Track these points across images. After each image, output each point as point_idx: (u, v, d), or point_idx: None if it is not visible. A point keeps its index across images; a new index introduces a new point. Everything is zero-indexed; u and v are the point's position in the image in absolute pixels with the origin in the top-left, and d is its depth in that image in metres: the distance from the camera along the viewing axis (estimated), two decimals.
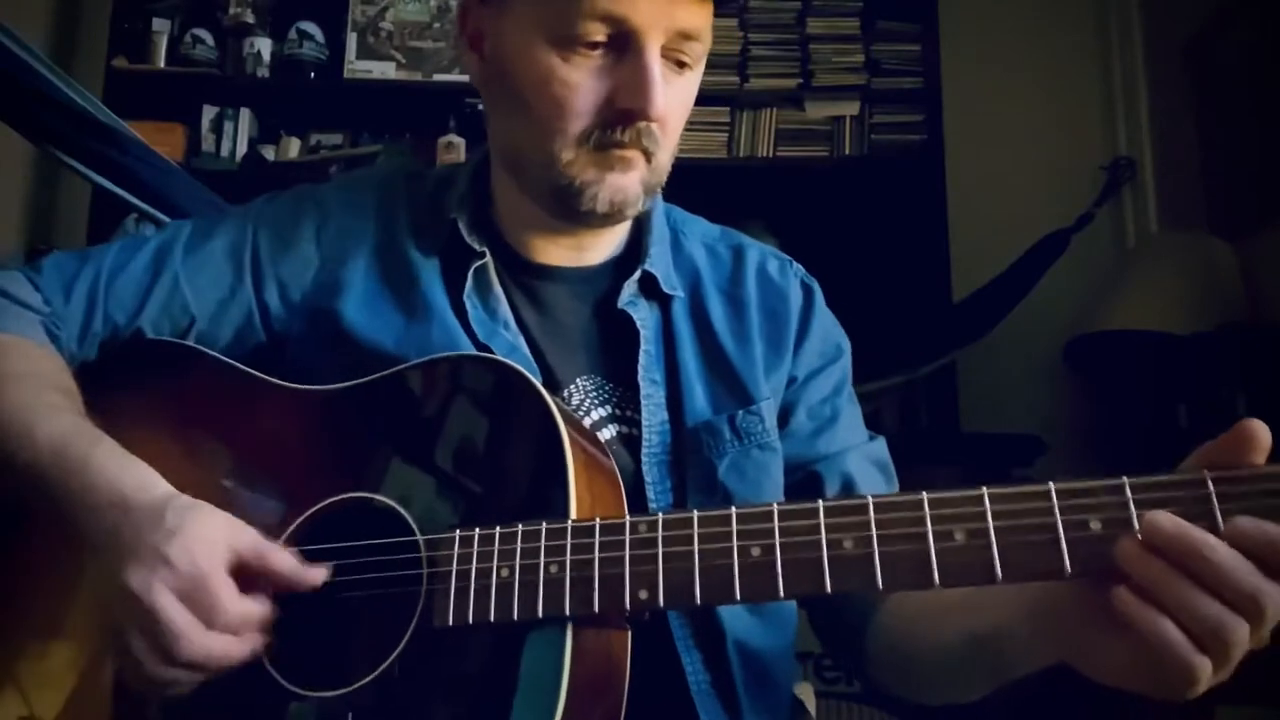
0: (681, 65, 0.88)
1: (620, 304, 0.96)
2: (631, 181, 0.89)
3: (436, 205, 1.00)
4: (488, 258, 0.96)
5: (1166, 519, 0.61)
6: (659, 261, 0.99)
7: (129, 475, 0.79)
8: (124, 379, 0.95)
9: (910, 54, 3.08)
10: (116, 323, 0.96)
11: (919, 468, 1.05)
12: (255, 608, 0.76)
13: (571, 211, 0.90)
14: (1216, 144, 2.72)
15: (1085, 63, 3.20)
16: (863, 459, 1.00)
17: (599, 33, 0.83)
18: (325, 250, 0.98)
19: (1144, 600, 0.60)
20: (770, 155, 3.05)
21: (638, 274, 0.97)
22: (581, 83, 0.85)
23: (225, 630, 0.73)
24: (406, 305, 0.95)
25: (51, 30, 3.18)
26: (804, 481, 0.98)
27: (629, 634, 0.76)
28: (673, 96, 0.87)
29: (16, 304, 0.93)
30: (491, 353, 0.89)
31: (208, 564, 0.73)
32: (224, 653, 0.74)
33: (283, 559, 0.77)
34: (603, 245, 1.00)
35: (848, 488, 0.97)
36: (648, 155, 0.88)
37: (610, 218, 0.91)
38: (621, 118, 0.85)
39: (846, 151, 3.04)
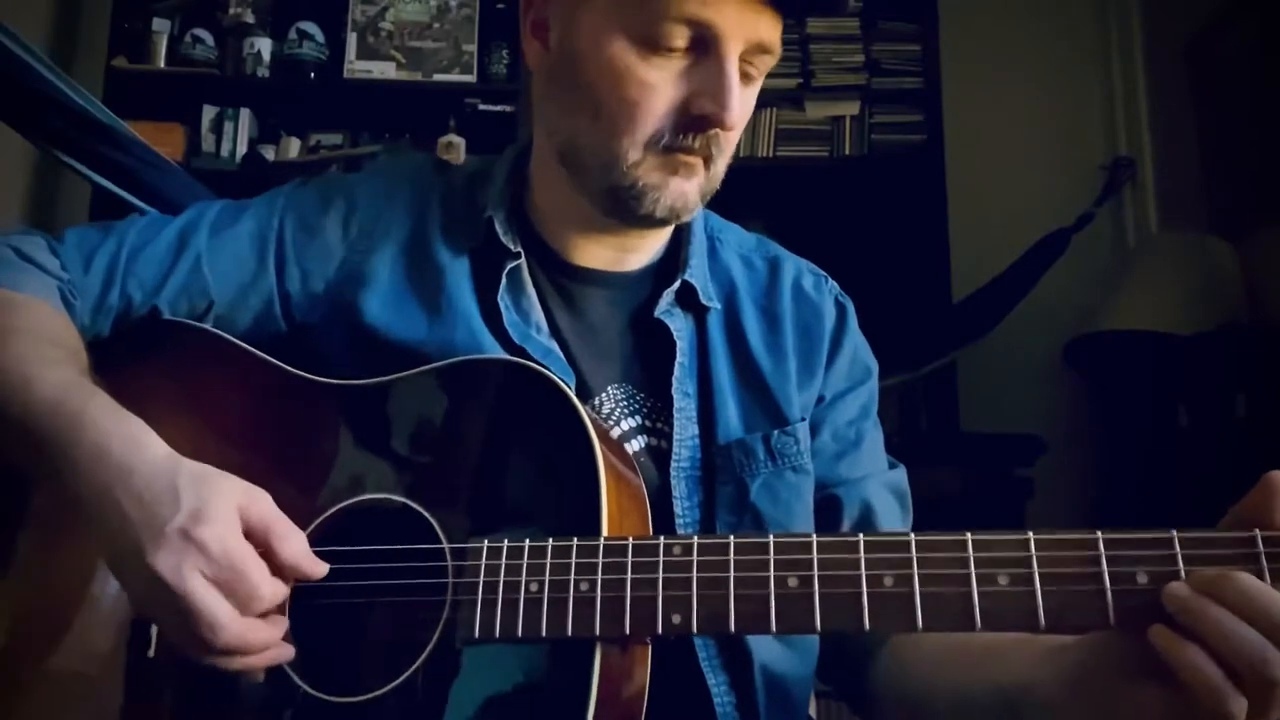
0: (748, 77, 0.87)
1: (656, 313, 0.94)
2: (692, 187, 0.88)
3: (470, 201, 0.98)
4: (522, 259, 0.94)
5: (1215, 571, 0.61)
6: (698, 272, 0.97)
7: (122, 431, 0.77)
8: (140, 359, 0.93)
9: (910, 54, 3.08)
10: (133, 299, 0.94)
11: (919, 468, 1.04)
12: (283, 589, 0.75)
13: (628, 213, 0.89)
14: (1216, 144, 2.72)
15: (1085, 63, 3.19)
16: (882, 487, 0.99)
17: (681, 36, 0.82)
18: (351, 241, 0.96)
19: (1182, 635, 0.60)
20: (770, 155, 3.05)
21: (677, 284, 0.95)
22: (659, 84, 0.83)
23: (258, 613, 0.73)
24: (431, 304, 0.93)
25: (51, 30, 3.17)
26: (822, 504, 0.96)
27: (649, 648, 0.75)
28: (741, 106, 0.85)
29: (34, 266, 0.91)
30: (527, 356, 0.87)
31: (240, 548, 0.72)
32: (260, 639, 0.73)
33: (288, 544, 0.75)
34: (644, 250, 0.98)
35: (866, 515, 0.96)
36: (708, 162, 0.87)
37: (665, 222, 0.90)
38: (696, 123, 0.84)
39: (846, 151, 3.04)
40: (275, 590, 0.74)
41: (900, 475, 1.02)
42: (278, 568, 0.75)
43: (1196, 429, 2.50)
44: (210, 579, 0.71)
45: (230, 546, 0.72)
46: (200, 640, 0.71)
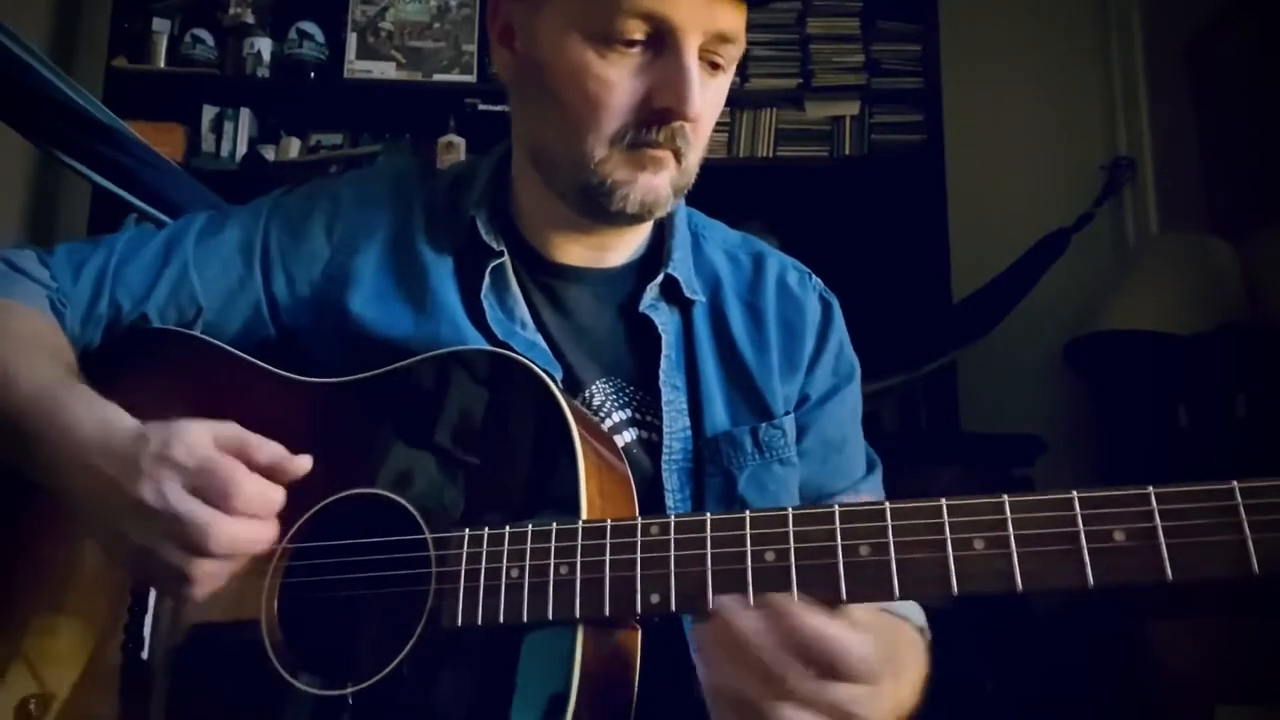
0: (715, 67, 0.87)
1: (641, 307, 0.95)
2: (662, 182, 0.88)
3: (453, 202, 1.00)
4: (505, 257, 0.95)
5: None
6: (681, 266, 0.98)
7: (95, 415, 0.79)
8: (129, 366, 0.94)
9: (910, 54, 3.08)
10: (121, 307, 0.96)
11: (919, 468, 1.04)
12: (272, 489, 0.76)
13: (600, 211, 0.89)
14: (1216, 144, 2.72)
15: (1085, 63, 3.19)
16: (867, 493, 0.99)
17: (638, 30, 0.82)
18: (336, 244, 0.98)
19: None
20: (770, 155, 3.04)
21: (660, 277, 0.96)
22: (618, 81, 0.84)
23: (246, 512, 0.73)
24: (416, 302, 0.94)
25: (51, 30, 3.18)
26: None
27: (639, 633, 0.76)
28: (706, 98, 0.86)
29: (24, 276, 0.93)
30: (510, 349, 0.88)
31: (212, 453, 0.74)
32: (250, 536, 0.74)
33: (263, 449, 0.76)
34: (625, 246, 0.99)
35: None
36: (678, 156, 0.87)
37: (639, 218, 0.91)
38: (657, 117, 0.85)
39: (846, 151, 3.04)
40: (261, 489, 0.75)
41: (877, 479, 1.03)
42: (262, 472, 0.76)
43: (1196, 429, 2.50)
44: (186, 488, 0.72)
45: (202, 455, 0.73)
46: (195, 548, 0.72)
